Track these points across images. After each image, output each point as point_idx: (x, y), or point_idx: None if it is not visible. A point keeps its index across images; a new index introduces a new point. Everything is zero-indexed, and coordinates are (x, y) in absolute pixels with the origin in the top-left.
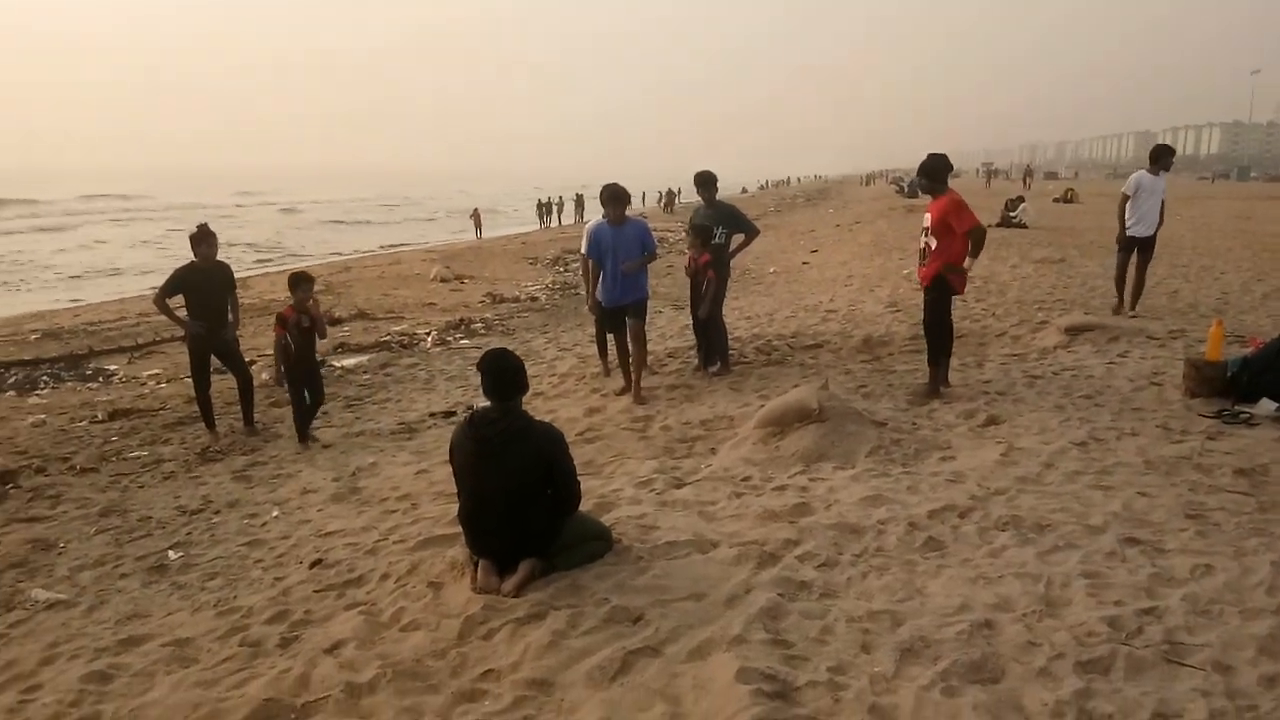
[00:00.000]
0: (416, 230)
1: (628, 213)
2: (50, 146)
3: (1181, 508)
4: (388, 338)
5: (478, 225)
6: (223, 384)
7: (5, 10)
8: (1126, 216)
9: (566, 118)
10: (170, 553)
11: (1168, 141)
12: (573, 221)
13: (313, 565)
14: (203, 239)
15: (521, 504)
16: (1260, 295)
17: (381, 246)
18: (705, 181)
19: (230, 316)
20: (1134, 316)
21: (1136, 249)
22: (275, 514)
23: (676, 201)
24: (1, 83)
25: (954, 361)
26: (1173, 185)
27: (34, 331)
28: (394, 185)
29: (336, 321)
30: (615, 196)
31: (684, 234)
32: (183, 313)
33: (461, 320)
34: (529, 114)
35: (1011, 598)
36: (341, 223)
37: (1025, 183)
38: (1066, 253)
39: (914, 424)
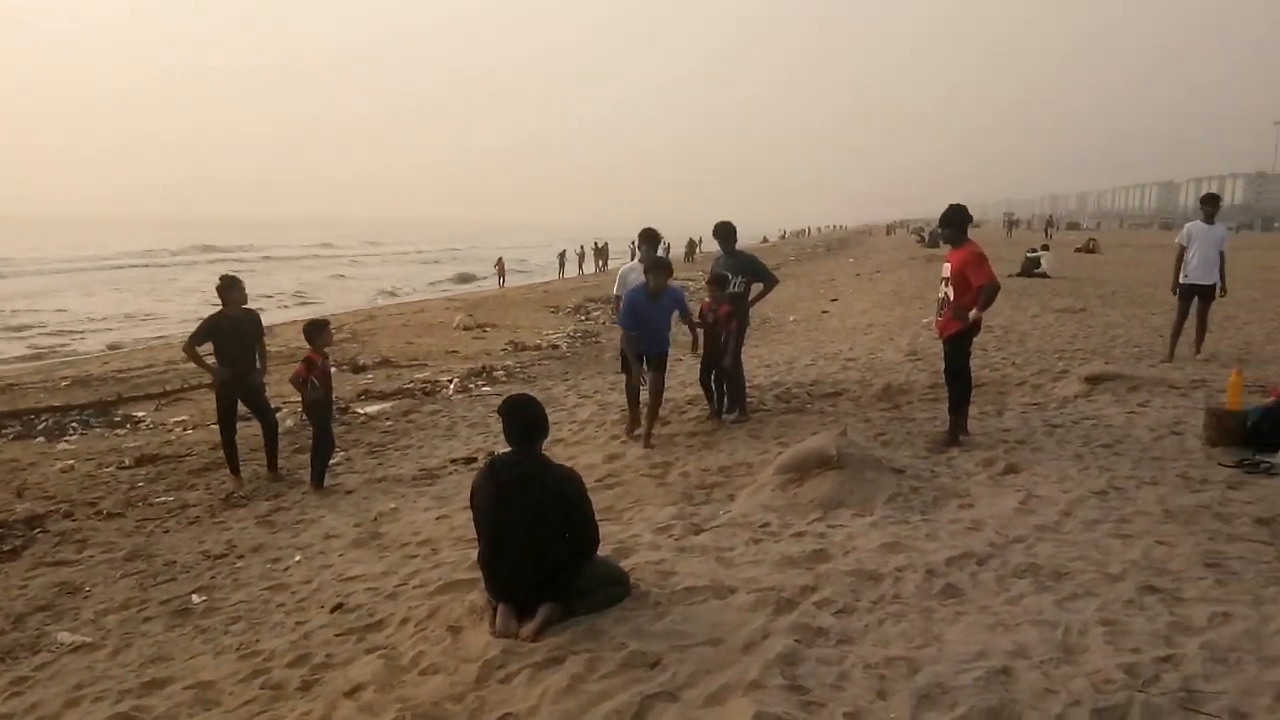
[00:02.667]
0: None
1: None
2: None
3: (1200, 556)
4: (411, 385)
5: (501, 274)
6: (248, 430)
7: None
8: (1182, 266)
9: (582, 169)
10: (194, 596)
11: (1189, 191)
12: (593, 270)
13: (334, 609)
14: (230, 287)
15: (540, 547)
16: None
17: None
18: (725, 233)
19: (258, 364)
20: (1205, 361)
21: (1196, 296)
22: (298, 558)
23: (698, 251)
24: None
25: (973, 410)
26: None
27: (64, 379)
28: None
29: (361, 369)
30: (657, 266)
31: (704, 284)
32: (212, 360)
33: (483, 368)
34: (546, 163)
35: (1029, 645)
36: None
37: (1047, 233)
38: (1088, 302)
39: (933, 472)
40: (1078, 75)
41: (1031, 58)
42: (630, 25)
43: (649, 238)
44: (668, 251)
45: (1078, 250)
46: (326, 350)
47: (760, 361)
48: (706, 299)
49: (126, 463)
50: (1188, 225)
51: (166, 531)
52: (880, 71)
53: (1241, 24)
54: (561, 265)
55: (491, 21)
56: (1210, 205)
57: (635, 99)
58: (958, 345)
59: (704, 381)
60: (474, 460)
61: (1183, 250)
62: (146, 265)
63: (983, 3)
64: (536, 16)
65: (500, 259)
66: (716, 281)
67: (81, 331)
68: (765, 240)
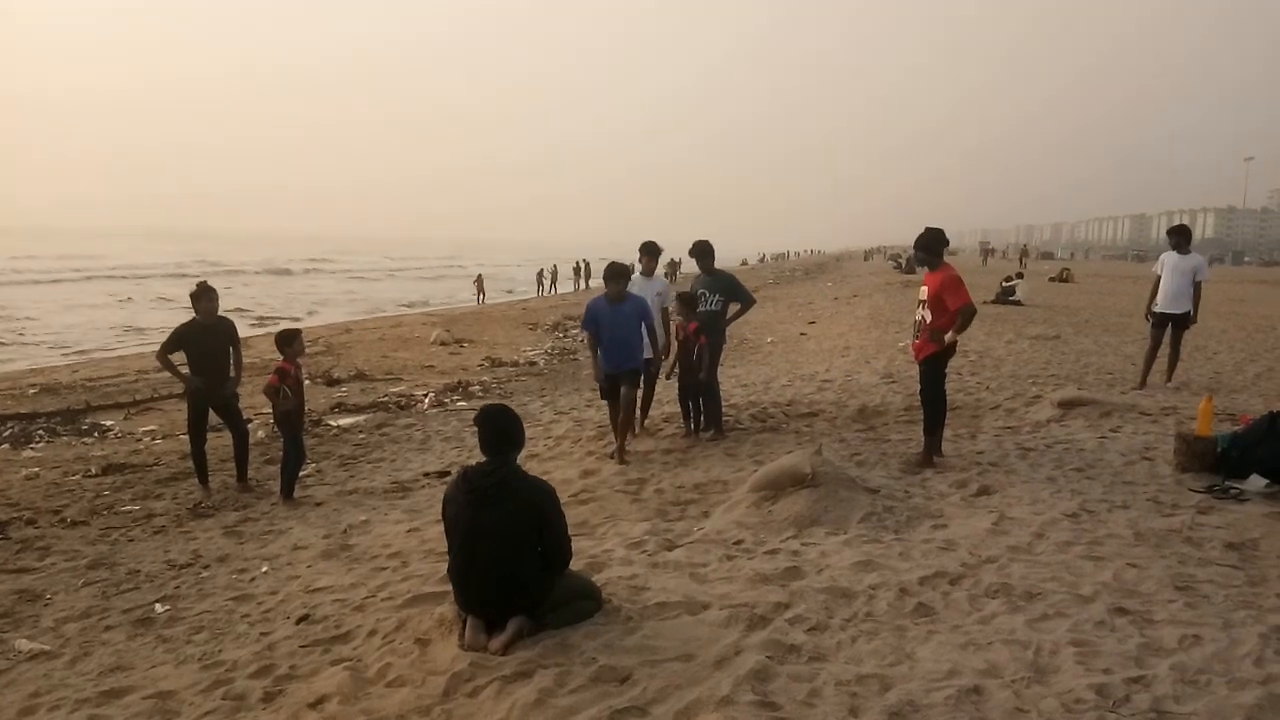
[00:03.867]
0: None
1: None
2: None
3: (1171, 579)
4: (385, 399)
5: (480, 290)
6: (218, 441)
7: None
8: (1155, 295)
9: (559, 193)
10: (157, 606)
11: (1161, 224)
12: (573, 290)
13: (299, 620)
14: (203, 295)
15: (512, 558)
16: (1252, 375)
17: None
18: (703, 252)
19: (232, 372)
20: (1176, 389)
21: (1169, 325)
22: (264, 569)
23: (678, 273)
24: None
25: (948, 432)
26: None
27: (32, 386)
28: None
29: (335, 382)
30: (615, 274)
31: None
32: (186, 369)
33: (459, 383)
34: (518, 189)
35: (1000, 664)
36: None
37: (1021, 262)
38: (1061, 330)
39: (907, 492)
40: (1054, 112)
41: (1008, 96)
42: (611, 55)
43: (650, 250)
44: (673, 270)
45: (1052, 279)
46: (299, 360)
47: (737, 381)
48: (677, 319)
49: (93, 471)
50: (1163, 255)
51: (131, 540)
52: (862, 104)
53: (1215, 64)
54: (539, 284)
55: (475, 41)
56: (1178, 235)
57: (617, 123)
58: (933, 367)
59: (682, 400)
60: (447, 474)
61: (1158, 279)
62: (125, 277)
63: (963, 45)
64: (521, 37)
65: (480, 276)
66: (684, 300)
67: (47, 341)
68: (744, 263)
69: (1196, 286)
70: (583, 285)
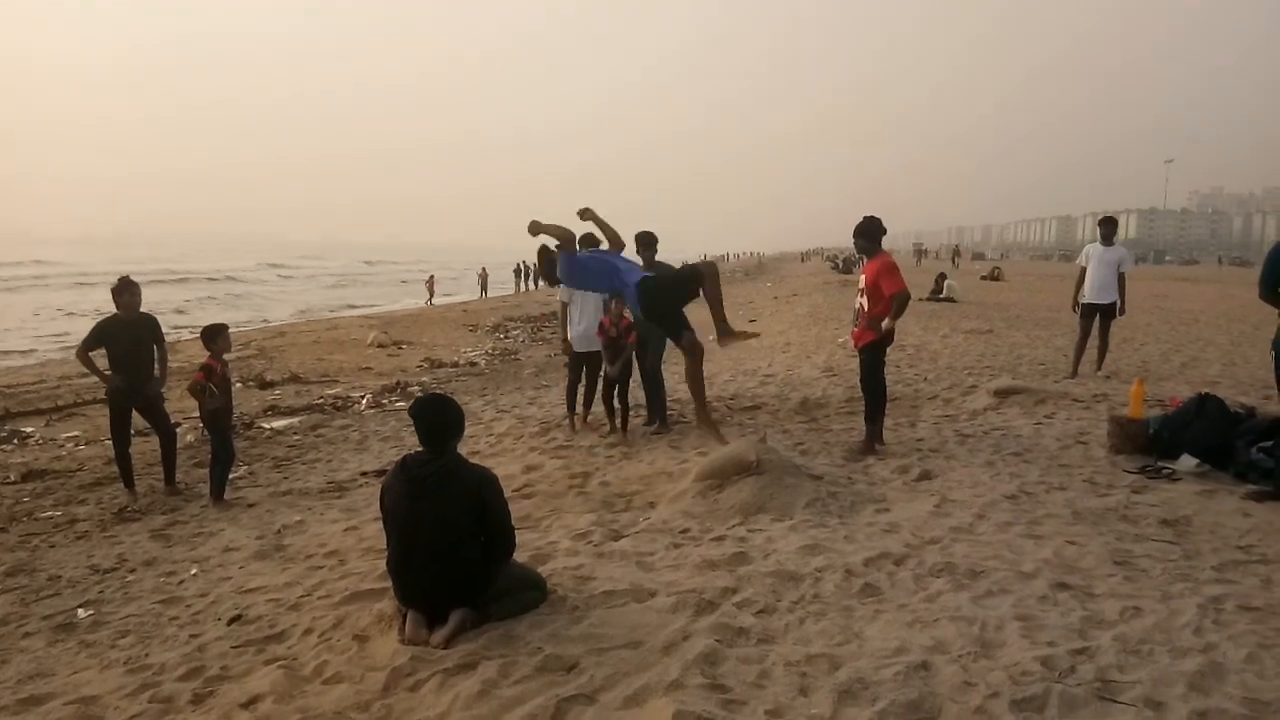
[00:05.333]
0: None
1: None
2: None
3: (1110, 555)
4: (320, 400)
5: (430, 291)
6: (144, 445)
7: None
8: (1081, 286)
9: (498, 185)
10: (80, 611)
11: (1086, 225)
12: (513, 292)
13: (231, 621)
14: (124, 289)
15: (453, 548)
16: (1179, 364)
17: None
18: (647, 242)
19: (157, 371)
20: (1106, 378)
21: (1098, 315)
22: (194, 572)
23: None
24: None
25: (888, 421)
26: None
27: None
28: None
29: (268, 385)
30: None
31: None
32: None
33: (398, 384)
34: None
35: (947, 640)
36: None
37: (954, 261)
38: (994, 324)
39: (850, 479)
40: (988, 123)
41: (945, 109)
42: (554, 46)
43: (647, 241)
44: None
45: (984, 278)
46: (225, 357)
47: (680, 377)
48: (605, 316)
49: (11, 478)
50: (1087, 247)
51: (52, 546)
52: (797, 112)
53: (1140, 69)
54: (483, 287)
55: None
56: (1107, 227)
57: (562, 117)
58: (873, 355)
59: (606, 398)
60: (385, 472)
61: (1083, 271)
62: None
63: (901, 60)
64: (468, 15)
65: (431, 276)
66: (617, 296)
67: None
68: (685, 264)
69: (1120, 277)
70: (525, 287)
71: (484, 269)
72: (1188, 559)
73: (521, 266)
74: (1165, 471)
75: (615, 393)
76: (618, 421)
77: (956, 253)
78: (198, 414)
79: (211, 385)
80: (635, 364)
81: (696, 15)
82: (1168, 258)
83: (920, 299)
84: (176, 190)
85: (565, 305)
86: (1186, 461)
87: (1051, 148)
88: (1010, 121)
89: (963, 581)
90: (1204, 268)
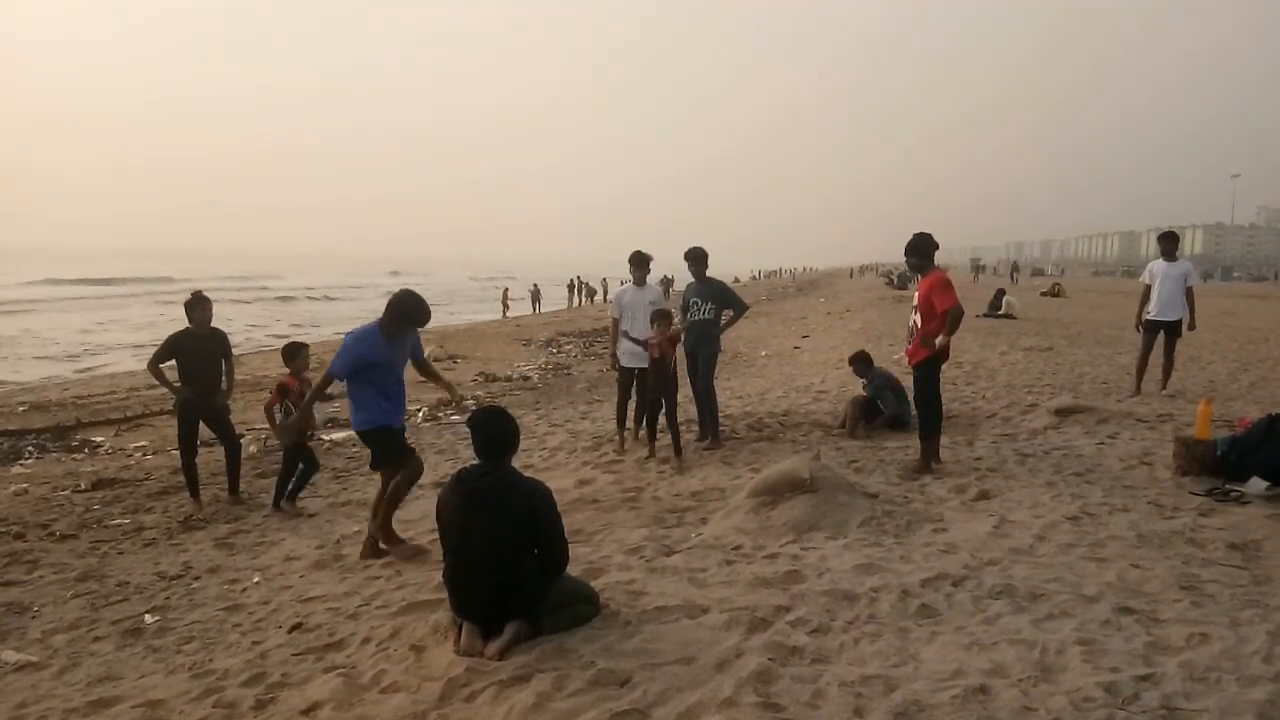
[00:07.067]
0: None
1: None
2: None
3: (1175, 579)
4: None
5: (505, 305)
6: (209, 455)
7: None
8: (1146, 303)
9: (548, 214)
10: (147, 616)
11: (1150, 240)
12: (530, 312)
13: (292, 629)
14: (196, 304)
15: (507, 561)
16: (1247, 384)
17: None
18: (697, 257)
19: (224, 384)
20: (1171, 397)
21: (1162, 332)
22: (256, 580)
23: (671, 290)
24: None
25: (945, 440)
26: None
27: (22, 404)
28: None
29: (328, 398)
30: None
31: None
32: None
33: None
34: (520, 209)
35: (1006, 664)
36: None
37: (1012, 277)
38: (1054, 342)
39: (906, 497)
40: (1044, 132)
41: (999, 116)
42: (605, 77)
43: (696, 256)
44: (667, 286)
45: (1043, 294)
46: (305, 375)
47: (733, 393)
48: (653, 337)
49: (82, 486)
50: (1151, 264)
51: (121, 553)
52: (855, 124)
53: (1203, 81)
54: (535, 301)
55: (459, 65)
56: (1168, 242)
57: (614, 142)
58: (927, 371)
59: (651, 419)
60: (441, 484)
61: (1147, 289)
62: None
63: (954, 68)
64: (510, 59)
65: (505, 289)
66: (660, 316)
67: (48, 357)
68: (737, 280)
69: (1188, 292)
70: (578, 302)
71: (535, 285)
72: (1257, 584)
73: (575, 282)
74: (1234, 494)
75: (653, 414)
76: (655, 445)
77: (1015, 269)
78: (264, 427)
79: (289, 402)
80: (687, 379)
81: (746, 37)
82: (1235, 274)
83: (977, 315)
84: (322, 219)
85: (615, 321)
86: (1256, 484)
87: (1114, 161)
88: (1070, 134)
89: (1022, 604)
90: (1274, 284)
